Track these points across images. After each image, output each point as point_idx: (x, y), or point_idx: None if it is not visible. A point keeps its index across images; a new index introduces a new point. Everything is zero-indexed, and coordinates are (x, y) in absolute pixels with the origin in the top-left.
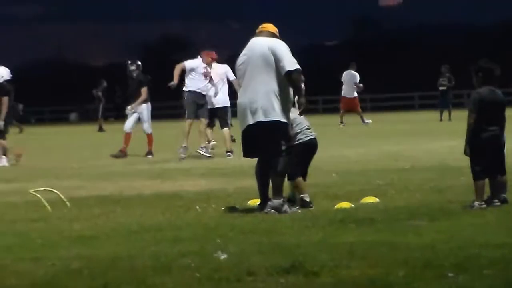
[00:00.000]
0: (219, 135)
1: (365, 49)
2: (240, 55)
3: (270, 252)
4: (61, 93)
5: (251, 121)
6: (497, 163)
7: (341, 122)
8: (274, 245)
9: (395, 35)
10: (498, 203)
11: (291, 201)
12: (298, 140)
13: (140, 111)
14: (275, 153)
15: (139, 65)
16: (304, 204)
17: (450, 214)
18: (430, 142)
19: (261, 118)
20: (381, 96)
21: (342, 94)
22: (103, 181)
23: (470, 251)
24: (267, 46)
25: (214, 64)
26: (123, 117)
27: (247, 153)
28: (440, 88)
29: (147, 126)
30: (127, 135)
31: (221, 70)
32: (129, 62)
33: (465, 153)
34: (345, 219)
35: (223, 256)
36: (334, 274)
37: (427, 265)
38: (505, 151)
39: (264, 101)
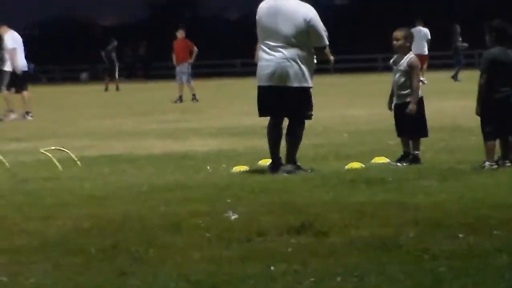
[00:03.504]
0: None
1: (375, 9)
2: (263, 10)
3: (280, 212)
4: (72, 53)
5: (278, 83)
6: (509, 124)
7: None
8: (284, 205)
9: None
10: (509, 164)
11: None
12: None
13: None
14: (302, 117)
15: None
16: (416, 160)
17: (460, 174)
18: (441, 102)
19: (294, 83)
20: (392, 56)
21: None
22: (113, 141)
23: (480, 212)
24: (303, 17)
25: None
26: (134, 76)
27: (265, 112)
28: (458, 46)
29: None
30: None
31: None
32: None
33: (477, 113)
34: (356, 179)
35: (233, 216)
36: (344, 234)
37: (437, 225)
38: None
39: (296, 67)
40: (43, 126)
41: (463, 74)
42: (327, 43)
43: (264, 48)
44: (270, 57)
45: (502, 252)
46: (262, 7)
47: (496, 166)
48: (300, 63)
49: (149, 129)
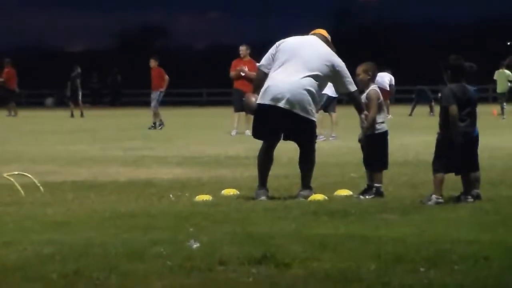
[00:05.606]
0: None
1: (344, 43)
2: (289, 40)
3: (243, 242)
4: (38, 78)
5: (285, 105)
6: (468, 159)
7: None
8: (247, 235)
9: (375, 30)
10: (471, 199)
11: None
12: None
13: None
14: (311, 149)
15: None
16: (379, 194)
17: (422, 208)
18: (405, 136)
19: (300, 113)
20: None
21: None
22: (77, 167)
23: (441, 246)
24: (328, 59)
25: None
26: (100, 103)
27: (262, 131)
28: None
29: None
30: None
31: None
32: None
33: (457, 141)
34: (318, 211)
35: (195, 245)
36: (305, 266)
37: (398, 259)
38: (478, 146)
39: (307, 100)
40: (7, 150)
41: (422, 110)
42: (355, 88)
43: (281, 70)
44: (289, 84)
45: (462, 287)
46: (291, 39)
47: (442, 200)
48: (315, 100)
49: (114, 156)
